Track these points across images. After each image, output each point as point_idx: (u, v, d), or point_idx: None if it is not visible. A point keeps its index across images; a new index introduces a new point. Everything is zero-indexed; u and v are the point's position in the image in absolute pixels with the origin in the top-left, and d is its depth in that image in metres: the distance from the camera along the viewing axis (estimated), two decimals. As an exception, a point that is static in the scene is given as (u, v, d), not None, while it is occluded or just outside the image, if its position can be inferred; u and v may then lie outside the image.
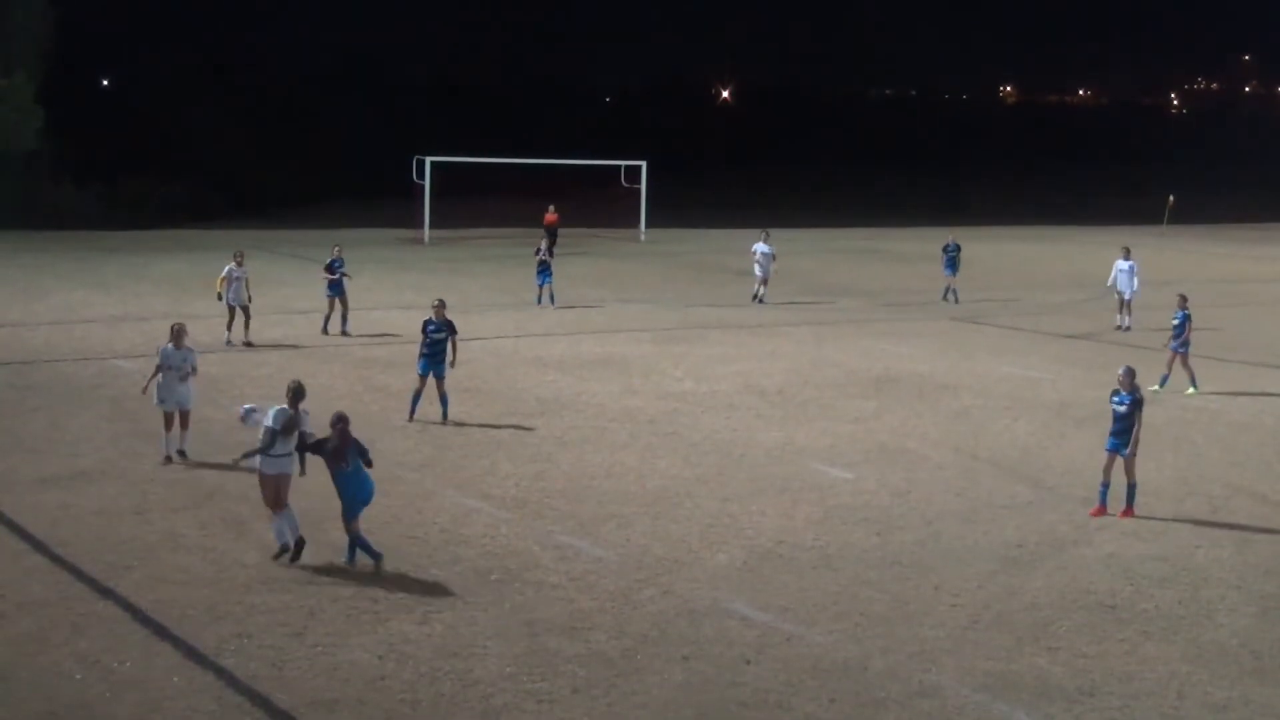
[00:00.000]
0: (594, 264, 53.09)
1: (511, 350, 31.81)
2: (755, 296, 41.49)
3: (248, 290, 31.82)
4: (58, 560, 16.48)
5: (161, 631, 14.32)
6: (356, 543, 16.50)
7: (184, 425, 21.41)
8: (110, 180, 77.15)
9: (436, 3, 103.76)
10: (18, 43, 70.34)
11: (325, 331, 33.43)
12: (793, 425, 24.67)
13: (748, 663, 13.92)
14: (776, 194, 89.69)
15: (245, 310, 31.78)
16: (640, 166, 64.14)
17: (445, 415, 24.33)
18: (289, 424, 16.77)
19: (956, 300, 42.18)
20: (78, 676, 13.19)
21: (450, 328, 24.43)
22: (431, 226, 60.74)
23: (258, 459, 16.88)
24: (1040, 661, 14.21)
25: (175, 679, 13.19)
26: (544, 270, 39.84)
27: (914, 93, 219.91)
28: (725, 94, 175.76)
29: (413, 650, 14.01)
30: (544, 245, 41.17)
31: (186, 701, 12.70)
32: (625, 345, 32.76)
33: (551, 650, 14.09)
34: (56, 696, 12.74)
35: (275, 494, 16.74)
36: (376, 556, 16.45)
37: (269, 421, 16.82)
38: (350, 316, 33.69)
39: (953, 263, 42.65)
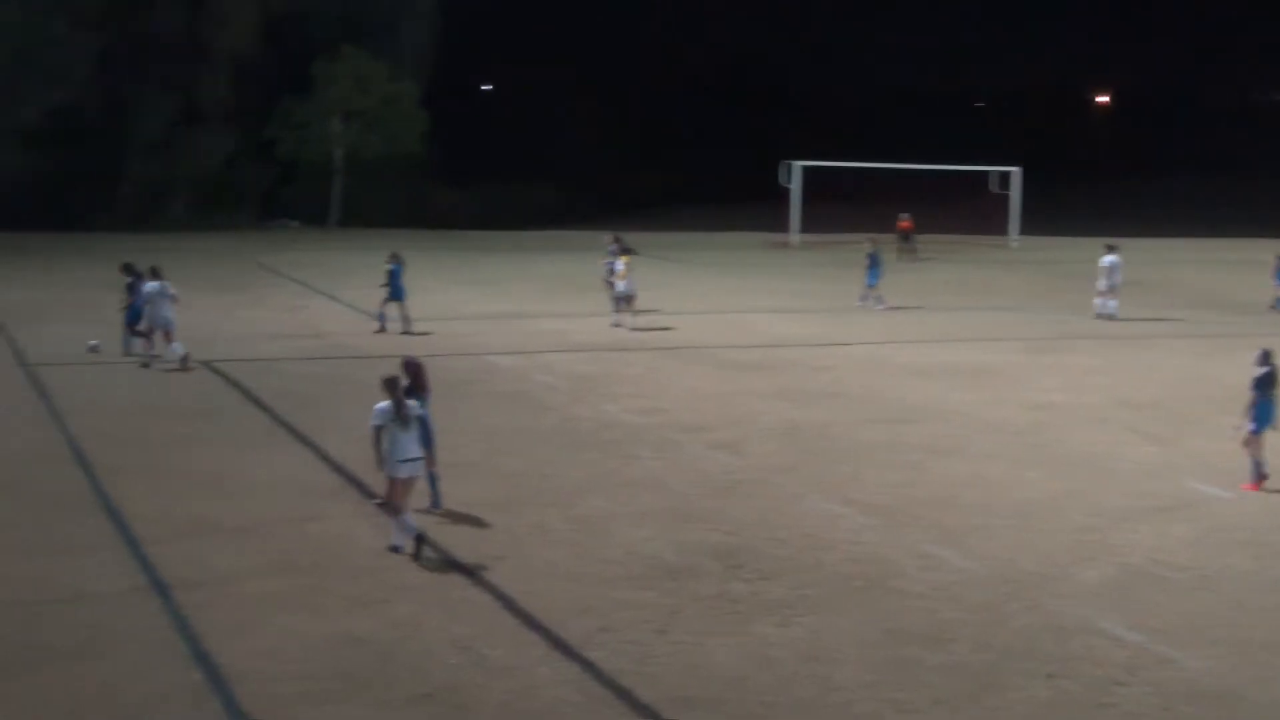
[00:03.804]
0: (962, 271, 52.39)
1: (879, 356, 31.61)
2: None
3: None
4: (434, 548, 17.07)
5: (531, 621, 14.69)
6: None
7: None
8: (488, 182, 80.00)
9: (807, 9, 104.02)
10: (407, 51, 73.51)
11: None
12: (1168, 441, 23.83)
13: (1117, 684, 13.49)
14: (1153, 202, 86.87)
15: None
16: (1011, 173, 62.97)
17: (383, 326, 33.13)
18: (397, 418, 16.72)
19: None
20: (452, 661, 13.64)
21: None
22: (798, 231, 60.91)
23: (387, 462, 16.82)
24: None
25: (543, 669, 13.51)
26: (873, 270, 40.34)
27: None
28: (1104, 100, 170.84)
29: (773, 653, 14.03)
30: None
31: (554, 692, 13.00)
32: (994, 354, 32.19)
33: (913, 660, 13.93)
34: (432, 679, 13.19)
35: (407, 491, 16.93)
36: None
37: (374, 420, 16.83)
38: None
39: None
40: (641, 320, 34.26)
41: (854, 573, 16.51)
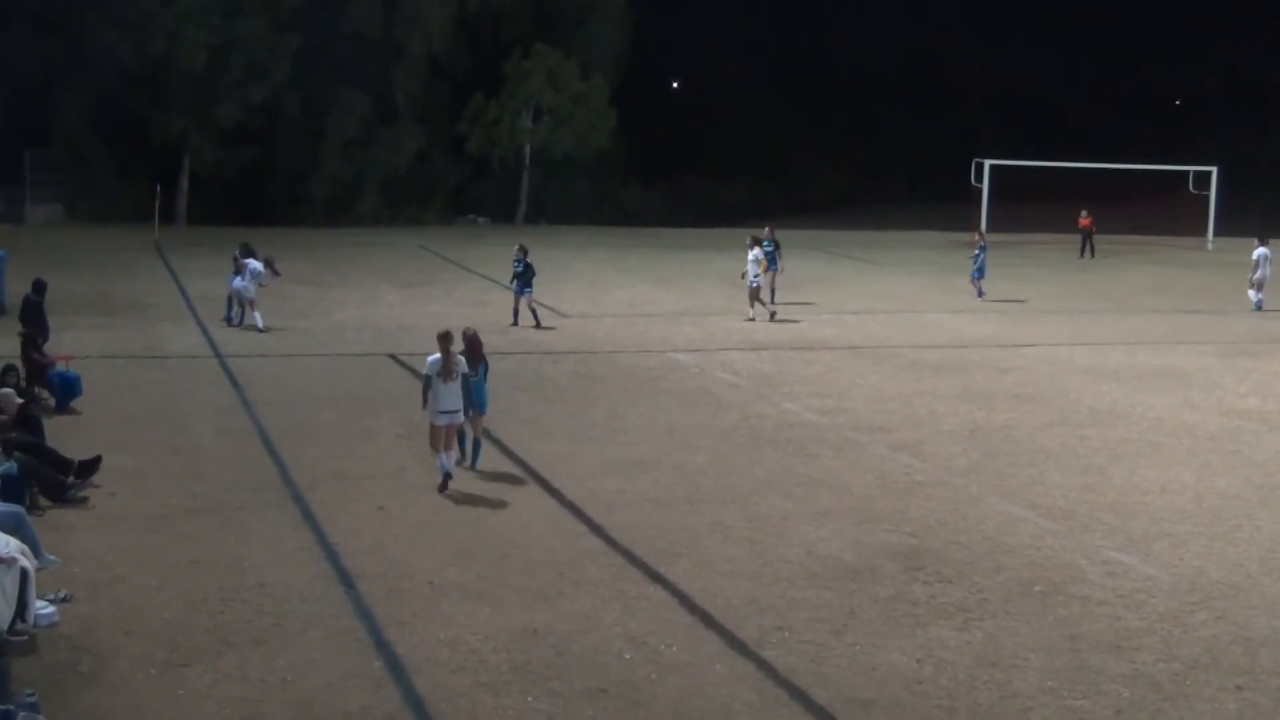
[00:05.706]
0: (1155, 272, 51.38)
1: (1065, 358, 31.08)
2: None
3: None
4: (612, 544, 17.16)
5: (707, 619, 14.69)
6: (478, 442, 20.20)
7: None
8: (674, 180, 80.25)
9: (999, 7, 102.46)
10: (597, 48, 74.01)
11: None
12: (1368, 449, 23.08)
13: (1308, 699, 13.11)
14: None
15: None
16: (1210, 173, 61.52)
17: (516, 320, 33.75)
18: (444, 369, 18.89)
19: None
20: (627, 656, 13.69)
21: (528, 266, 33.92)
22: (985, 230, 60.14)
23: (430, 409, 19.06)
24: None
25: (718, 666, 13.50)
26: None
27: None
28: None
29: (951, 657, 13.87)
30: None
31: (728, 689, 12.99)
32: (1186, 357, 31.47)
33: (1095, 668, 13.67)
34: (606, 674, 13.26)
35: (449, 438, 19.21)
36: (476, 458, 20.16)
37: (426, 370, 19.09)
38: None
39: None
40: (811, 320, 34.05)
41: (1035, 578, 16.25)
